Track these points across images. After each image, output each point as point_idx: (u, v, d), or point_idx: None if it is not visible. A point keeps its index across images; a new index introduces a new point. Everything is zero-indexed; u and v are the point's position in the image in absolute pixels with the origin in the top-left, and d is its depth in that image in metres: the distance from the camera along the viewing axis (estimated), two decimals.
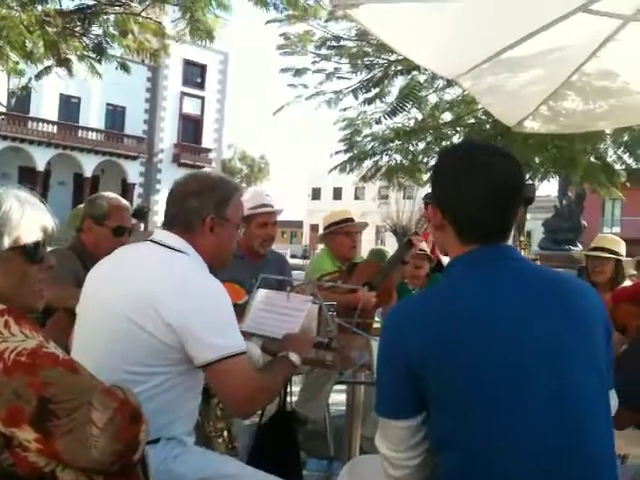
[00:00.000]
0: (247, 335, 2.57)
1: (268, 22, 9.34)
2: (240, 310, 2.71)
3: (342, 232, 4.10)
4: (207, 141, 43.77)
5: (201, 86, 43.40)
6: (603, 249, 3.83)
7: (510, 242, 1.69)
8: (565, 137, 8.45)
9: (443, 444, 1.43)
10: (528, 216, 14.97)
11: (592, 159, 10.00)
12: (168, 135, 42.13)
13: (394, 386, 1.48)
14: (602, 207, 36.64)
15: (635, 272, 3.92)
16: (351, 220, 4.17)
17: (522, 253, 3.33)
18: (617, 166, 10.33)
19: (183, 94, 42.36)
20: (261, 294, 2.61)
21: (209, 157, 43.47)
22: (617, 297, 3.28)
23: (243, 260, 3.63)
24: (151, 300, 1.75)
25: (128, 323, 1.75)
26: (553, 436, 1.36)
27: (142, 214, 11.76)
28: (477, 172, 1.51)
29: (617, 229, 36.73)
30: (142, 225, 11.12)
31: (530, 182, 10.30)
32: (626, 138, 9.61)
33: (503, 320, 1.42)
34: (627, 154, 10.02)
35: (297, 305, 2.51)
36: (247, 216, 3.69)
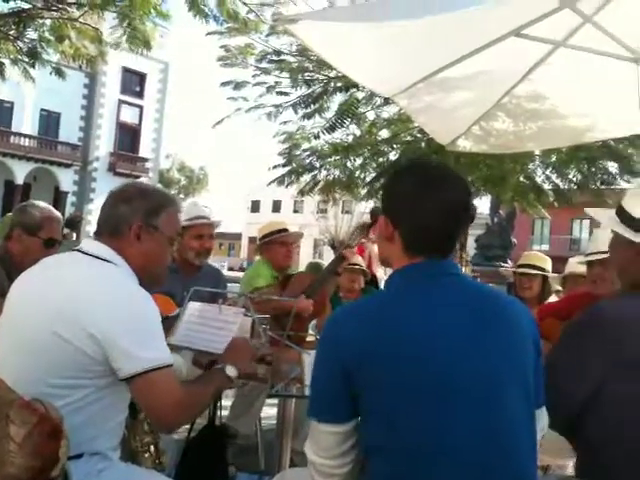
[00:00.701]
0: (176, 348, 2.54)
1: (208, 34, 9.33)
2: (170, 323, 2.68)
3: (278, 242, 4.11)
4: (145, 150, 43.06)
5: (140, 95, 42.74)
6: (531, 266, 3.94)
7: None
8: (496, 157, 8.72)
9: (372, 451, 1.46)
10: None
11: (521, 179, 10.34)
12: (104, 143, 41.25)
13: (328, 389, 1.51)
14: (532, 225, 37.85)
15: (561, 288, 4.06)
16: (286, 230, 4.19)
17: (463, 269, 3.42)
18: (545, 186, 10.71)
19: (121, 102, 41.60)
20: (192, 307, 2.58)
21: (146, 167, 42.76)
22: (543, 312, 3.39)
23: (176, 274, 3.58)
24: (75, 311, 1.70)
25: (51, 335, 1.70)
26: (476, 451, 1.40)
27: (74, 223, 11.49)
28: (432, 189, 1.57)
29: (546, 247, 37.98)
30: (74, 235, 10.86)
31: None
32: (554, 159, 9.96)
33: (436, 334, 1.46)
34: (555, 175, 10.40)
35: (229, 318, 2.49)
36: (182, 227, 3.65)
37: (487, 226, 18.93)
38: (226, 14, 8.03)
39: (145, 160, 42.84)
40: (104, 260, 1.86)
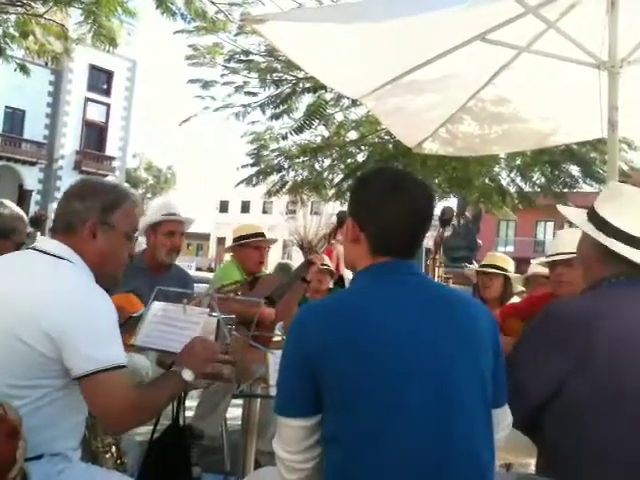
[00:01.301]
0: (141, 349, 2.53)
1: (176, 32, 9.24)
2: (134, 323, 2.66)
3: (252, 246, 4.10)
4: (111, 149, 42.55)
5: (107, 92, 42.22)
6: (492, 266, 4.00)
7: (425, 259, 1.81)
8: (462, 159, 8.82)
9: (329, 440, 1.50)
10: (427, 234, 15.40)
11: (487, 181, 10.47)
12: (70, 141, 40.65)
13: (293, 384, 1.55)
14: (497, 227, 38.35)
15: (523, 289, 4.12)
16: (262, 235, 4.18)
17: (437, 270, 3.45)
18: (510, 189, 10.86)
19: (88, 100, 41.05)
20: (156, 307, 2.56)
21: (113, 165, 42.27)
22: (505, 313, 3.44)
23: (145, 272, 3.56)
24: (30, 310, 1.68)
25: (8, 335, 1.68)
26: (429, 439, 1.45)
27: (39, 222, 11.33)
28: (398, 193, 1.64)
29: (510, 248, 38.52)
30: (39, 234, 10.69)
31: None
32: (518, 162, 10.11)
33: (395, 328, 1.51)
34: (519, 177, 10.56)
35: (193, 318, 2.48)
36: (154, 224, 3.63)
37: (453, 228, 19.13)
38: (194, 13, 7.97)
39: (112, 159, 42.33)
40: (59, 258, 1.83)
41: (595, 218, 2.01)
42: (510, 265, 4.03)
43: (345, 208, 1.86)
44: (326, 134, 10.68)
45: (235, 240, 4.17)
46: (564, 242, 2.93)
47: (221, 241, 50.60)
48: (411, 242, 1.67)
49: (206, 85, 10.16)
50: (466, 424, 1.49)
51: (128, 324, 3.01)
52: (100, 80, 41.82)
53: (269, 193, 11.52)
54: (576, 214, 2.17)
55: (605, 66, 3.23)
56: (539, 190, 10.68)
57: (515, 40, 3.52)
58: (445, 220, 3.23)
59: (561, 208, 2.30)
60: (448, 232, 19.67)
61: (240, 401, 3.46)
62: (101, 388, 1.71)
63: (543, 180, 10.39)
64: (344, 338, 1.49)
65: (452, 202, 17.51)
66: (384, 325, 1.51)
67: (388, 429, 1.44)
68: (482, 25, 3.44)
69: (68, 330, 1.68)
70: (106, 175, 38.14)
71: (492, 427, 1.58)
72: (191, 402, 4.06)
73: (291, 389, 1.56)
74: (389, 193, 1.64)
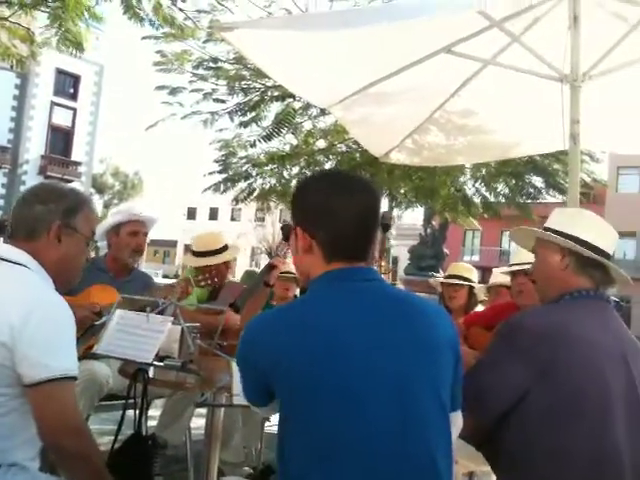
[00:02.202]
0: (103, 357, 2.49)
1: (144, 38, 9.19)
2: (98, 330, 2.63)
3: (210, 266, 3.99)
4: (77, 154, 41.92)
5: (74, 97, 41.62)
6: (457, 277, 4.04)
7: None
8: (428, 169, 8.92)
9: (285, 454, 1.49)
10: (395, 242, 15.63)
11: (452, 191, 10.59)
12: (35, 146, 39.94)
13: (248, 382, 1.62)
14: (463, 237, 38.82)
15: (486, 298, 4.18)
16: (226, 247, 4.03)
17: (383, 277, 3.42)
18: (475, 199, 11.01)
19: (54, 104, 40.42)
20: (119, 314, 2.54)
21: (79, 171, 41.64)
22: (469, 321, 3.49)
23: (107, 275, 3.52)
24: None
25: None
26: (387, 451, 1.44)
27: (2, 228, 11.10)
28: (344, 195, 1.60)
29: (476, 257, 39.09)
30: (1, 239, 10.47)
31: (392, 212, 10.81)
32: (483, 173, 10.26)
33: (350, 336, 1.49)
34: (484, 188, 10.71)
35: (156, 326, 2.46)
36: (116, 225, 3.59)
37: (420, 237, 19.32)
38: (162, 19, 7.93)
39: (78, 164, 41.71)
40: (16, 264, 1.80)
41: (566, 236, 2.05)
42: (474, 275, 4.08)
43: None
44: (294, 142, 10.69)
45: (195, 253, 4.05)
46: (523, 252, 2.98)
47: (188, 248, 50.22)
48: (365, 244, 1.63)
49: (174, 91, 10.11)
50: (423, 431, 1.49)
51: (91, 331, 2.98)
52: (67, 84, 41.22)
53: (236, 200, 11.47)
54: (531, 235, 2.22)
55: (567, 80, 3.29)
56: (503, 200, 10.84)
57: (480, 53, 3.58)
58: (385, 225, 3.25)
59: (516, 231, 2.34)
60: (415, 241, 19.89)
61: (204, 410, 3.43)
62: (50, 398, 1.67)
63: (507, 191, 10.54)
64: (298, 351, 1.46)
65: (419, 211, 17.70)
66: (339, 336, 1.48)
67: (345, 439, 1.43)
68: (448, 38, 3.49)
69: (22, 337, 1.65)
70: (72, 180, 37.60)
71: (450, 433, 1.58)
72: (155, 411, 4.01)
73: (252, 390, 1.62)
74: (334, 195, 1.60)
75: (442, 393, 1.55)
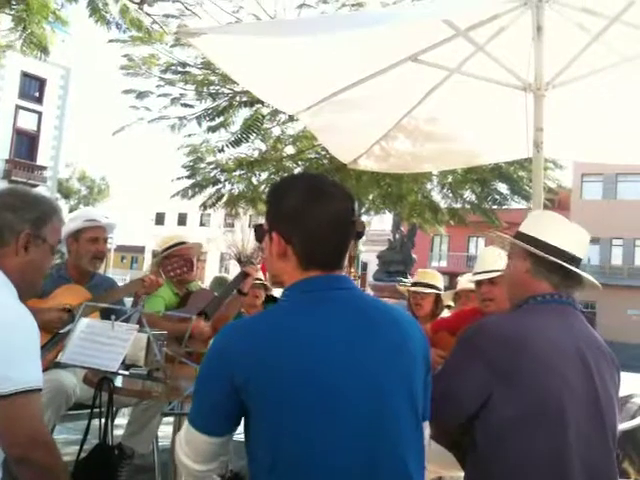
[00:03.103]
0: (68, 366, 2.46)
1: (110, 41, 9.09)
2: (62, 338, 2.59)
3: (177, 255, 4.01)
4: (43, 158, 41.26)
5: (39, 100, 40.98)
6: (424, 284, 4.08)
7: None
8: (395, 176, 8.98)
9: (260, 464, 1.47)
10: (364, 248, 15.72)
11: (419, 197, 10.68)
12: None
13: (215, 404, 1.51)
14: (431, 243, 39.14)
15: (452, 303, 4.23)
16: (183, 243, 4.11)
17: None
18: (441, 205, 11.11)
19: (19, 107, 39.75)
20: (83, 323, 2.50)
21: (44, 175, 40.98)
22: (436, 327, 3.51)
23: (68, 282, 3.47)
24: None
25: None
26: (362, 463, 1.44)
27: None
28: (320, 201, 1.58)
29: (444, 263, 39.47)
30: None
31: (361, 218, 10.88)
32: (450, 179, 10.37)
33: (324, 347, 1.48)
34: (450, 194, 10.81)
35: (122, 335, 2.43)
36: (77, 231, 3.55)
37: (389, 242, 19.45)
38: (129, 22, 7.87)
39: (43, 168, 41.06)
40: None
41: (528, 239, 2.07)
42: (440, 281, 4.12)
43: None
44: (263, 148, 10.68)
45: (160, 254, 4.08)
46: (487, 261, 3.01)
47: (157, 254, 49.70)
48: (340, 251, 1.61)
49: (141, 96, 10.03)
50: (397, 442, 1.49)
51: (58, 337, 2.94)
52: (32, 87, 40.58)
53: (205, 206, 11.40)
54: (503, 238, 2.25)
55: (531, 89, 3.34)
56: (469, 207, 10.96)
57: (446, 61, 3.61)
58: (358, 233, 3.27)
59: (491, 234, 2.37)
60: (383, 247, 20.01)
61: (172, 418, 3.39)
62: (15, 411, 1.63)
63: (473, 197, 10.67)
64: (270, 361, 1.44)
65: (387, 217, 17.81)
66: (313, 346, 1.47)
67: (318, 451, 1.42)
68: (414, 46, 3.52)
69: None
70: (37, 185, 36.99)
71: (423, 442, 1.59)
72: (122, 420, 3.96)
73: (212, 410, 1.52)
74: (310, 201, 1.58)
75: (417, 403, 1.56)
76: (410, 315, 1.80)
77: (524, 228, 2.14)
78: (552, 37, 3.19)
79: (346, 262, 1.70)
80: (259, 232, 1.70)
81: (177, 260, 3.80)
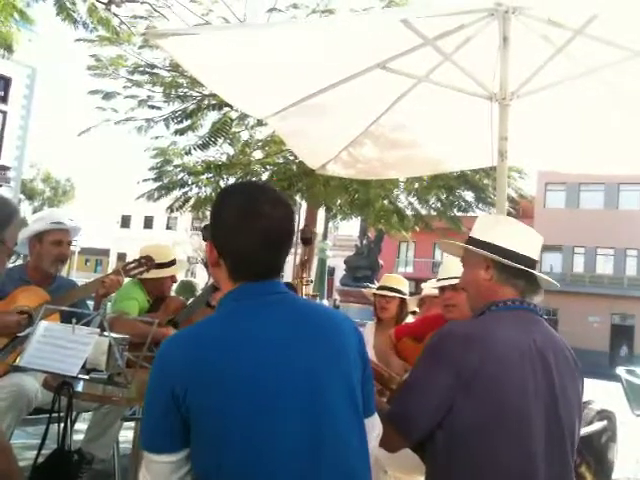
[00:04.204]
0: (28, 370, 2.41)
1: (77, 40, 8.96)
2: (21, 342, 2.54)
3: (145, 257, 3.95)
4: (7, 159, 40.48)
5: (4, 100, 40.23)
6: (389, 288, 4.10)
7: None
8: (363, 182, 9.02)
9: (200, 478, 1.46)
10: (332, 253, 15.76)
11: (386, 203, 10.75)
12: None
13: (159, 418, 1.47)
14: (398, 248, 39.39)
15: (417, 309, 4.26)
16: (174, 263, 4.07)
17: (304, 289, 3.45)
18: (408, 211, 11.20)
19: None
20: (43, 326, 2.45)
21: (8, 176, 40.18)
22: (399, 333, 3.53)
23: (29, 284, 3.40)
24: None
25: None
26: (303, 467, 1.44)
27: None
28: (254, 218, 1.58)
29: (410, 269, 39.75)
30: None
31: (329, 223, 10.90)
32: (416, 186, 10.45)
33: (260, 352, 1.49)
34: (417, 201, 10.90)
35: (83, 339, 2.39)
36: (39, 234, 3.49)
37: (356, 248, 19.56)
38: (97, 20, 7.78)
39: (7, 169, 40.26)
40: None
41: (485, 246, 2.09)
42: (405, 286, 4.15)
43: None
44: (231, 152, 10.63)
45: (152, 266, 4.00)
46: (449, 267, 3.03)
47: (122, 257, 49.15)
48: (271, 265, 1.63)
49: (108, 97, 9.90)
50: (340, 444, 1.50)
51: (14, 343, 2.88)
52: None
53: (171, 209, 11.29)
54: (456, 246, 2.26)
55: (496, 98, 3.39)
56: (435, 213, 11.05)
57: (414, 69, 3.64)
58: (305, 239, 3.28)
59: (443, 242, 2.38)
60: (351, 252, 20.08)
61: (133, 423, 3.35)
62: None
63: (439, 204, 10.77)
64: (209, 370, 1.44)
65: (355, 223, 17.90)
66: (252, 351, 1.48)
67: (260, 459, 1.42)
68: (383, 54, 3.55)
69: None
70: (0, 186, 36.33)
71: (366, 440, 1.60)
72: (82, 424, 3.90)
73: (157, 424, 1.48)
74: (241, 219, 1.59)
75: (356, 400, 1.58)
76: (344, 314, 1.82)
77: (477, 234, 2.15)
78: (518, 48, 3.24)
79: (297, 268, 1.71)
80: (204, 235, 1.71)
81: (139, 260, 3.74)
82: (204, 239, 1.67)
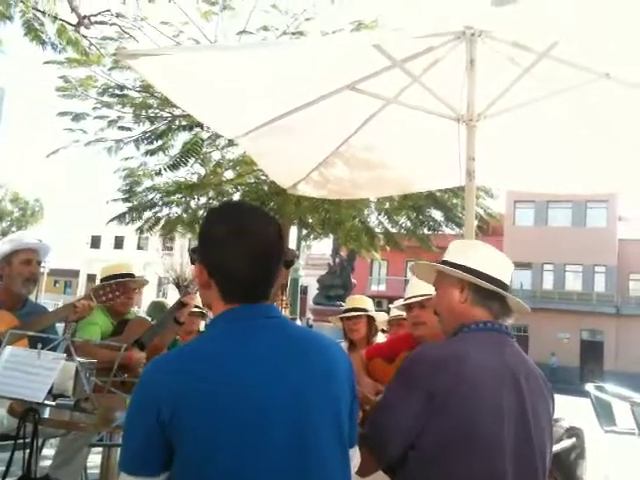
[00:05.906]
0: None
1: (46, 62, 8.88)
2: None
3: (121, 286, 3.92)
4: None
5: None
6: (354, 309, 4.13)
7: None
8: (334, 201, 9.05)
9: None
10: (304, 272, 15.78)
11: (357, 223, 10.79)
12: None
13: (141, 442, 1.46)
14: (370, 267, 39.51)
15: (386, 329, 4.29)
16: (132, 275, 4.06)
17: (283, 312, 3.44)
18: (378, 230, 11.25)
19: None
20: (8, 351, 2.41)
21: None
22: (370, 353, 3.53)
23: None
24: None
25: None
26: (292, 476, 1.43)
27: None
28: (243, 238, 1.58)
29: (383, 287, 39.88)
30: None
31: (302, 242, 10.93)
32: (387, 206, 10.52)
33: (248, 379, 1.47)
34: (387, 220, 10.96)
35: (48, 364, 2.35)
36: (7, 255, 3.46)
37: (329, 266, 19.59)
38: (66, 42, 7.73)
39: None
40: None
41: (460, 268, 2.11)
42: (369, 304, 4.21)
43: None
44: (203, 172, 10.59)
45: (103, 280, 4.00)
46: (416, 286, 3.05)
47: (92, 278, 48.47)
48: (262, 285, 1.62)
49: (77, 118, 9.81)
50: (324, 471, 1.49)
51: None
52: None
53: (141, 230, 11.18)
54: (432, 267, 2.28)
55: (463, 119, 3.43)
56: (405, 232, 11.12)
57: (383, 91, 3.68)
58: (288, 262, 3.31)
59: (416, 265, 2.40)
60: (323, 271, 20.11)
61: (101, 449, 3.29)
62: None
63: (409, 223, 10.84)
64: (196, 393, 1.42)
65: (327, 242, 17.92)
66: (238, 376, 1.46)
67: (245, 477, 1.40)
68: (352, 75, 3.58)
69: None
70: None
71: (350, 470, 1.59)
72: (49, 450, 3.82)
73: (140, 446, 1.46)
74: (233, 238, 1.58)
75: (343, 431, 1.57)
76: (335, 342, 1.81)
77: (452, 257, 2.18)
78: (484, 70, 3.29)
79: (277, 290, 1.71)
80: (192, 257, 1.70)
81: (111, 285, 3.70)
82: (192, 262, 1.66)
